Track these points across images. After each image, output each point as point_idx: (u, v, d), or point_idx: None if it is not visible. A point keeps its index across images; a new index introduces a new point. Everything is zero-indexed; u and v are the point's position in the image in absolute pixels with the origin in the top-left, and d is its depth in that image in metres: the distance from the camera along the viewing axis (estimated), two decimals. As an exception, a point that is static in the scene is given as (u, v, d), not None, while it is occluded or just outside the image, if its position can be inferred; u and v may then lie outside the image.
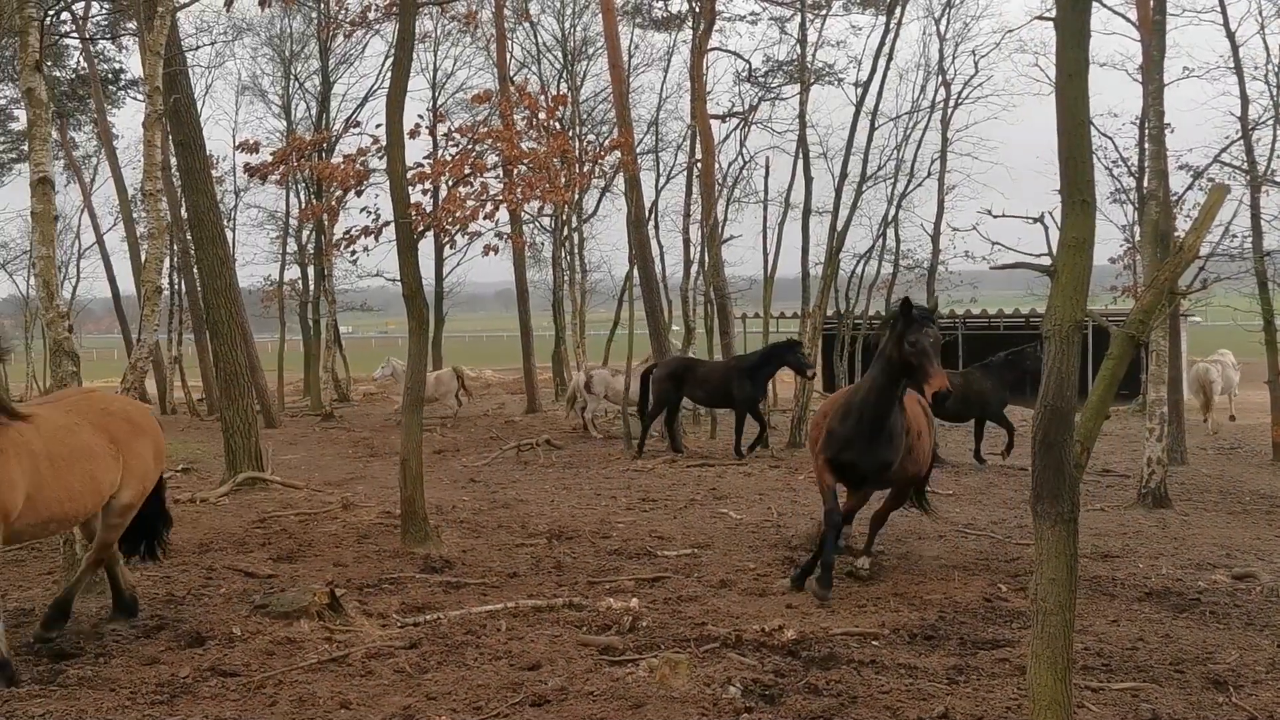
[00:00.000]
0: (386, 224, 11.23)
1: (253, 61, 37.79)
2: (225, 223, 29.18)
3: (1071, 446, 4.38)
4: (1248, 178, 18.37)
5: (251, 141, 12.51)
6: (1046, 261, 4.71)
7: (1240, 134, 18.56)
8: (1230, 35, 18.54)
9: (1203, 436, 20.81)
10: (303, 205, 29.72)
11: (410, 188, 10.59)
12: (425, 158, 11.14)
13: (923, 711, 5.49)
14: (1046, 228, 5.62)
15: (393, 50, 11.15)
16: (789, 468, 16.06)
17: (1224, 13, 18.53)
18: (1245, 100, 18.43)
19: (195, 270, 16.91)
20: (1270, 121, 18.45)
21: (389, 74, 11.96)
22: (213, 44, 31.56)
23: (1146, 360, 13.73)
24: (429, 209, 11.13)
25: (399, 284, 10.33)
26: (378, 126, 11.31)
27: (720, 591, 8.31)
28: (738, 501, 12.99)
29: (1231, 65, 18.68)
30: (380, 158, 10.77)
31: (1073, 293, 4.34)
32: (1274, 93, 18.71)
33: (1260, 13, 20.95)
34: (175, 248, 26.37)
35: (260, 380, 23.92)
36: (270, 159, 13.00)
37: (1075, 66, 4.23)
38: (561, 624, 7.21)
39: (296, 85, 32.82)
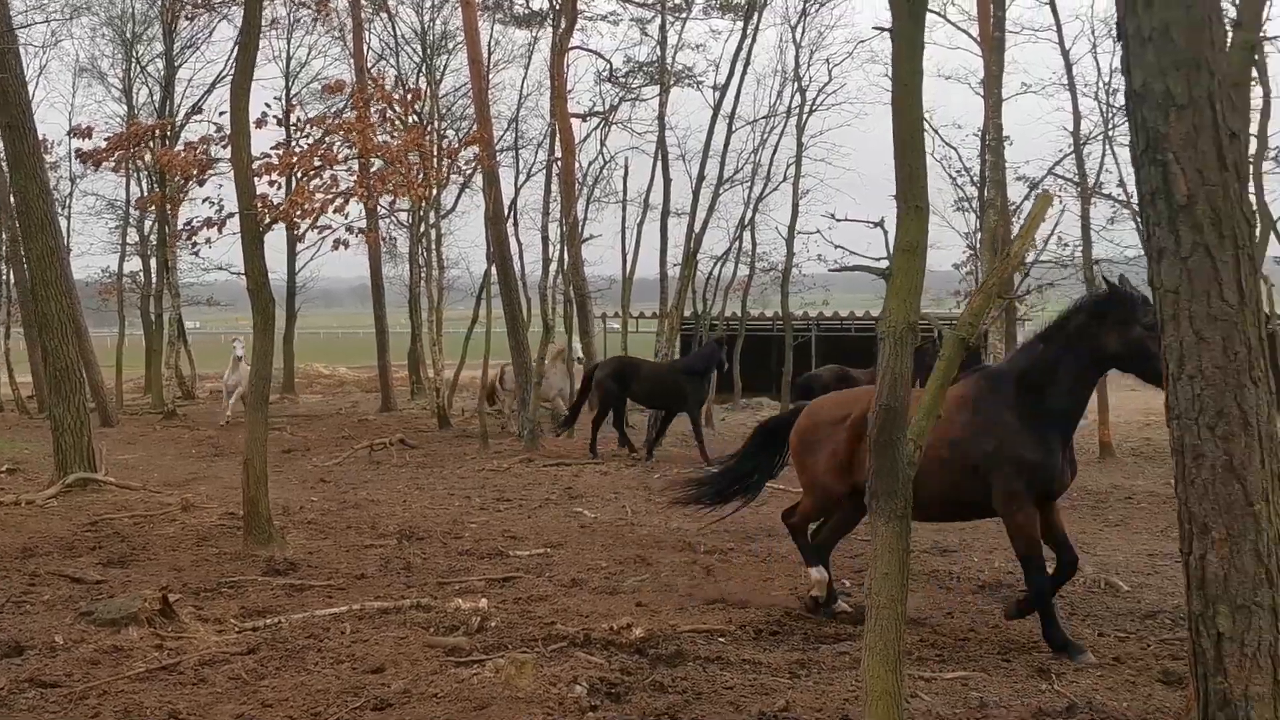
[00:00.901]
0: (230, 216, 10.86)
1: (91, 42, 35.96)
2: (60, 211, 27.80)
3: (905, 445, 4.52)
4: (1079, 189, 19.33)
5: (84, 126, 11.92)
6: (884, 265, 4.86)
7: (1073, 148, 19.54)
8: (1065, 54, 19.46)
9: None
10: (144, 194, 28.48)
11: (257, 179, 10.28)
12: (273, 148, 10.80)
13: (765, 705, 5.59)
14: (886, 232, 5.79)
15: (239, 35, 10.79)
16: (645, 467, 16.20)
17: (1059, 32, 19.44)
18: (1078, 116, 19.37)
19: (24, 260, 16.02)
20: (1100, 137, 19.44)
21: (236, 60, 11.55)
22: (47, 22, 29.92)
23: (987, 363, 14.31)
24: (277, 201, 10.78)
25: (245, 278, 10.01)
26: (222, 114, 10.90)
27: (571, 591, 8.31)
28: (593, 500, 13.02)
29: (1065, 82, 19.63)
30: (224, 147, 10.39)
31: (907, 295, 4.48)
32: (1104, 109, 19.74)
33: (1092, 33, 22.10)
34: (4, 236, 24.94)
35: (96, 377, 22.85)
36: (105, 145, 12.41)
37: (910, 76, 4.37)
38: (408, 626, 7.09)
39: (139, 69, 31.41)
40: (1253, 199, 17.00)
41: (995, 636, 7.08)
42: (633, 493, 13.67)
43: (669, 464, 16.61)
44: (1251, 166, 17.15)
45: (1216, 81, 3.42)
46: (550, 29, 24.63)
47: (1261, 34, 16.21)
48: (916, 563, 9.46)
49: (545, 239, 22.68)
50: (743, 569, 9.13)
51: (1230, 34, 6.34)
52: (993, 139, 14.25)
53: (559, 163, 23.53)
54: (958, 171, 21.62)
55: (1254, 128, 17.30)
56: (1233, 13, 7.35)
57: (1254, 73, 16.42)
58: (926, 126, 19.78)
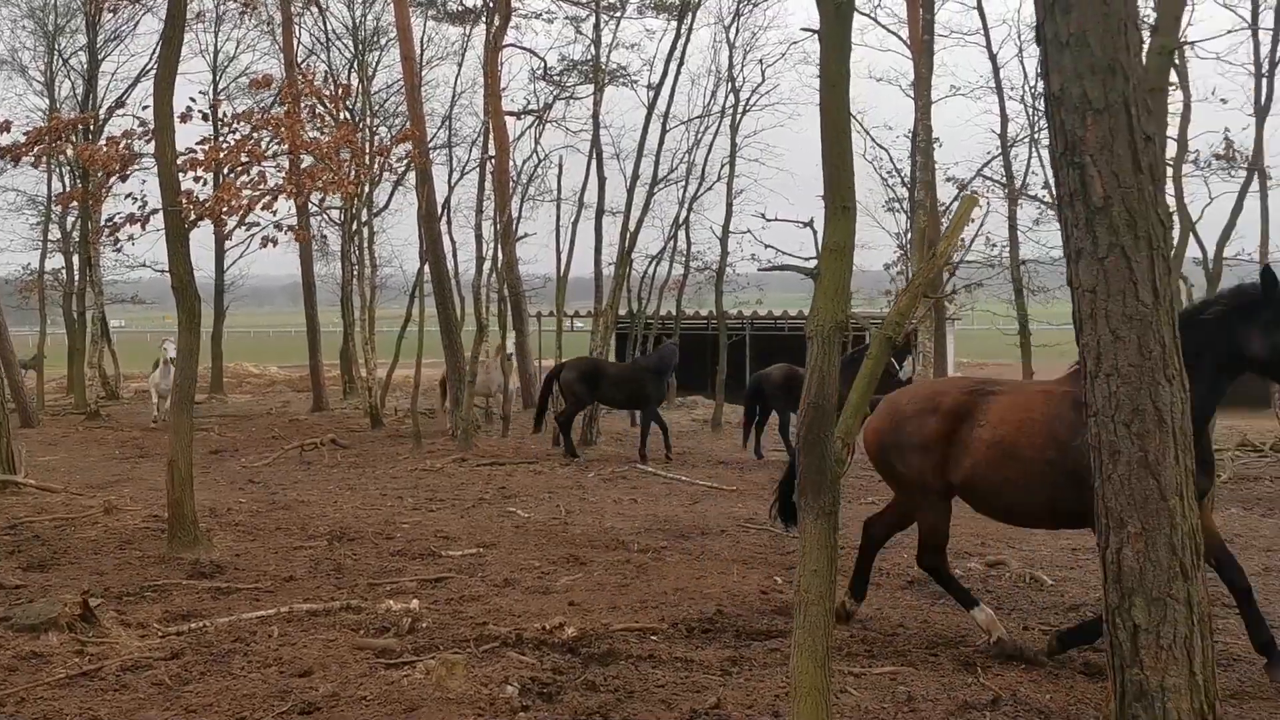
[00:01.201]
0: (155, 212, 10.64)
1: (12, 34, 34.97)
2: (-22, 206, 27.01)
3: (833, 443, 4.56)
4: (1006, 191, 19.70)
5: (3, 121, 11.58)
6: (812, 265, 4.91)
7: (1000, 150, 19.92)
8: (992, 58, 19.86)
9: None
10: (66, 189, 27.78)
11: (182, 174, 10.07)
12: (198, 143, 10.59)
13: (696, 703, 5.61)
14: (815, 232, 5.85)
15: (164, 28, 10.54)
16: (580, 465, 16.18)
17: (987, 36, 19.84)
18: (1005, 119, 19.76)
19: (-61, 257, 15.54)
20: (1026, 139, 19.84)
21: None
22: (-36, 13, 29.09)
23: (915, 362, 14.51)
24: (203, 198, 10.59)
25: (170, 275, 9.81)
26: (146, 108, 10.67)
27: (504, 590, 8.26)
28: (526, 500, 12.97)
29: (993, 86, 20.03)
30: (148, 142, 10.17)
31: (834, 294, 4.51)
32: (1030, 113, 20.15)
33: (1019, 37, 22.50)
34: (-82, 232, 24.17)
35: (15, 376, 22.25)
36: (25, 139, 12.09)
37: (837, 77, 4.40)
38: (338, 628, 7.00)
39: (61, 62, 30.64)
40: (1173, 201, 17.43)
41: (923, 631, 7.18)
42: (567, 492, 13.64)
43: (603, 463, 16.62)
44: (1172, 169, 17.61)
45: (1132, 86, 3.50)
46: (484, 26, 24.48)
47: (1182, 39, 16.65)
48: (848, 559, 9.56)
49: (479, 237, 22.56)
50: (676, 567, 9.14)
51: (1148, 40, 6.52)
52: (922, 140, 14.45)
53: (493, 161, 23.43)
54: (889, 172, 21.92)
55: (1175, 132, 17.78)
56: (1152, 19, 7.52)
57: (1174, 78, 16.86)
58: (858, 128, 19.96)
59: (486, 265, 22.39)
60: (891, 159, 21.28)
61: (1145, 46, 6.38)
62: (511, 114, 27.23)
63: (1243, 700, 5.89)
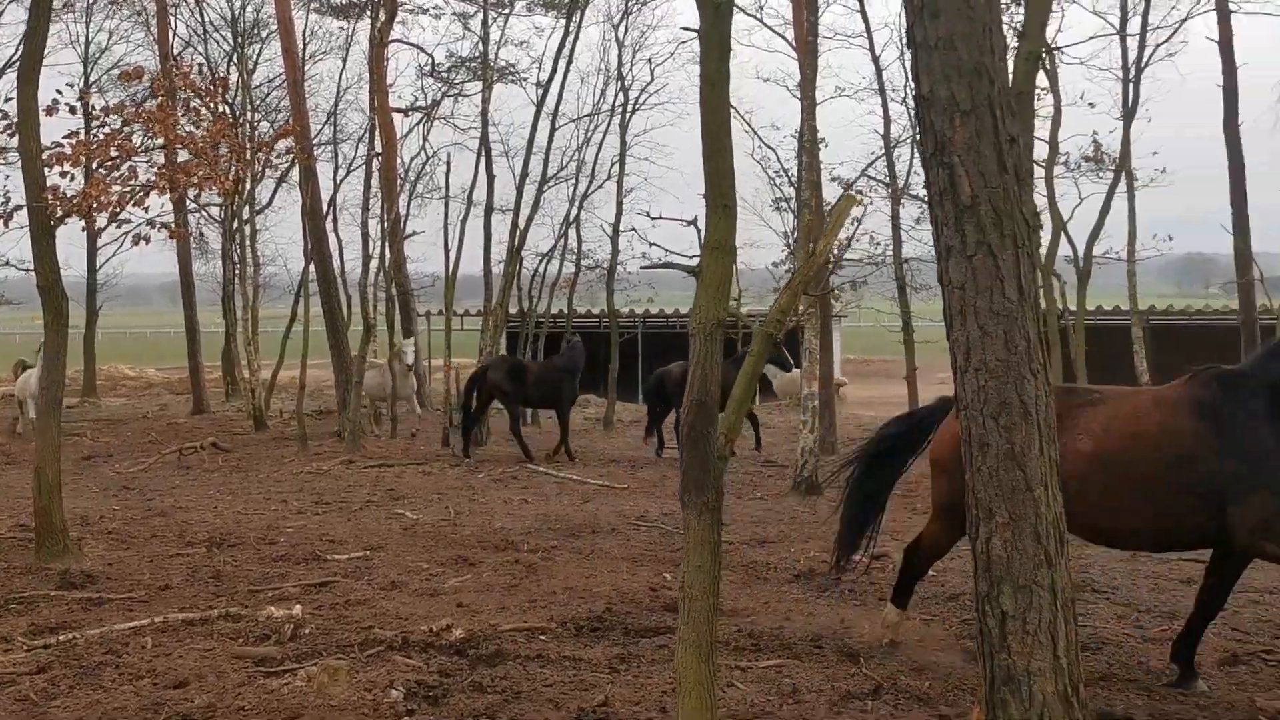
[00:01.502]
0: (19, 209, 10.20)
1: None
2: None
3: (716, 439, 4.60)
4: (889, 190, 20.16)
5: None
6: (696, 263, 4.94)
7: (884, 150, 20.37)
8: (875, 60, 20.30)
9: (853, 428, 22.54)
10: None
11: (48, 169, 9.67)
12: (65, 137, 10.17)
13: (584, 701, 5.61)
14: (700, 230, 5.89)
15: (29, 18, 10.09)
16: (469, 467, 16.05)
17: (870, 39, 20.28)
18: (888, 119, 20.20)
19: None
20: (909, 140, 20.30)
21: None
22: None
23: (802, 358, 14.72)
24: (71, 194, 10.17)
25: (35, 275, 9.41)
26: (9, 100, 10.21)
27: (390, 594, 8.14)
28: (415, 501, 12.80)
29: (876, 87, 20.46)
30: (11, 135, 9.74)
31: (715, 292, 4.55)
32: (912, 114, 20.63)
33: (901, 40, 22.96)
34: None
35: None
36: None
37: (717, 76, 4.44)
38: (215, 637, 6.81)
39: (-81, 51, 29.11)
40: (1046, 201, 18.00)
41: (809, 624, 7.30)
42: (456, 493, 13.51)
43: (493, 464, 16.51)
44: (1044, 171, 18.24)
45: (997, 89, 3.61)
46: (369, 20, 24.07)
47: (1052, 44, 17.25)
48: (735, 555, 9.69)
49: (366, 235, 22.21)
50: (566, 566, 9.13)
51: (1016, 44, 6.75)
52: (808, 140, 14.67)
53: (380, 158, 23.05)
54: (776, 172, 22.17)
55: (1047, 134, 18.42)
56: (1020, 24, 7.77)
57: (1045, 82, 17.46)
58: (746, 128, 20.12)
59: (374, 264, 22.05)
60: (779, 158, 21.56)
61: (1015, 51, 6.61)
62: (399, 110, 26.85)
63: (1110, 682, 6.13)
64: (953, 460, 6.00)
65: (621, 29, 25.53)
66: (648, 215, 19.20)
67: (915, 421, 7.24)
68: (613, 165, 26.00)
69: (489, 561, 9.28)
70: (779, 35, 19.85)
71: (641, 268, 22.07)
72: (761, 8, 25.21)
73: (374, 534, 10.58)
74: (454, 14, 25.60)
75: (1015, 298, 3.61)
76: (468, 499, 13.02)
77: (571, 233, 26.43)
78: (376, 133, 23.49)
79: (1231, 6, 18.72)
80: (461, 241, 23.22)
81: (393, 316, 23.24)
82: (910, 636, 6.93)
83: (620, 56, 25.57)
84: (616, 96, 25.94)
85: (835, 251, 19.11)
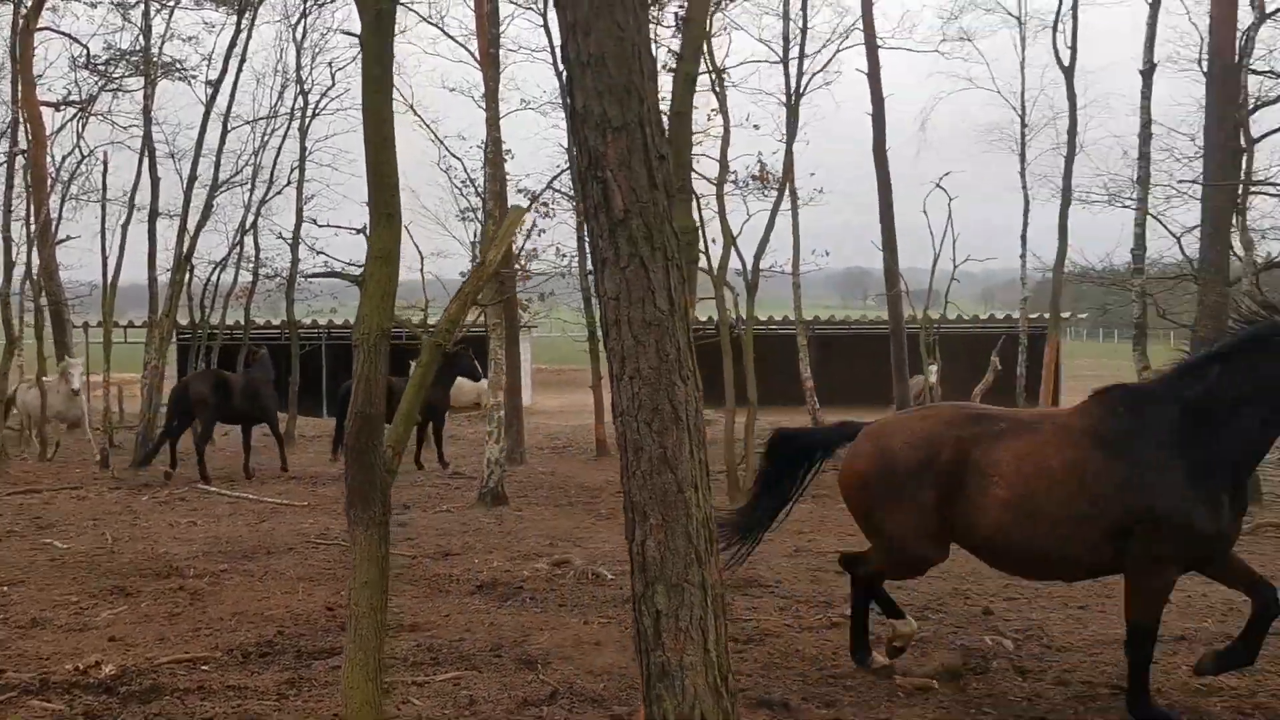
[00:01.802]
0: None
1: None
2: None
3: (382, 452, 4.52)
4: (574, 203, 20.59)
5: None
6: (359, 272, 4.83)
7: (569, 163, 20.76)
8: (559, 74, 20.68)
9: (542, 438, 22.79)
10: None
11: None
12: None
13: (248, 732, 5.35)
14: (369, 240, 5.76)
15: None
16: (130, 488, 14.91)
17: (554, 53, 20.63)
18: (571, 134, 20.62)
19: None
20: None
21: None
22: None
23: (488, 369, 14.73)
24: None
25: None
26: None
27: (30, 632, 7.42)
28: (66, 529, 11.72)
29: (560, 101, 20.85)
30: None
31: (380, 302, 4.48)
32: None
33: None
34: None
35: None
36: None
37: (378, 83, 4.38)
38: None
39: None
40: (710, 216, 18.85)
41: (489, 635, 7.30)
42: (115, 518, 12.50)
43: (158, 486, 15.41)
44: (716, 187, 19.20)
45: (647, 108, 3.76)
46: (12, 5, 21.94)
47: (721, 68, 18.21)
48: (418, 568, 9.55)
49: (8, 239, 20.19)
50: (235, 591, 8.65)
51: (674, 67, 7.09)
52: (491, 151, 14.73)
53: (26, 155, 21.07)
54: (463, 182, 22.11)
55: (718, 153, 19.41)
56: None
57: (716, 104, 18.41)
58: (431, 137, 19.94)
59: (18, 270, 20.11)
60: (465, 168, 21.50)
61: (675, 73, 6.92)
62: (49, 105, 24.73)
63: (770, 670, 6.53)
64: (866, 504, 6.23)
65: (299, 30, 24.68)
66: (314, 223, 18.62)
67: (815, 442, 6.92)
68: (292, 171, 25.07)
69: (149, 590, 8.65)
70: (462, 46, 19.83)
71: (304, 276, 21.43)
72: (444, 16, 25.19)
73: (14, 567, 9.60)
74: (112, 3, 23.83)
75: (666, 308, 3.76)
76: (128, 524, 12.07)
77: (248, 240, 25.25)
78: (21, 127, 21.46)
79: (879, 40, 20.54)
80: (123, 248, 21.62)
81: (42, 328, 21.26)
82: (587, 640, 7.07)
83: (299, 58, 24.73)
84: (296, 100, 25.06)
85: (523, 261, 19.33)
